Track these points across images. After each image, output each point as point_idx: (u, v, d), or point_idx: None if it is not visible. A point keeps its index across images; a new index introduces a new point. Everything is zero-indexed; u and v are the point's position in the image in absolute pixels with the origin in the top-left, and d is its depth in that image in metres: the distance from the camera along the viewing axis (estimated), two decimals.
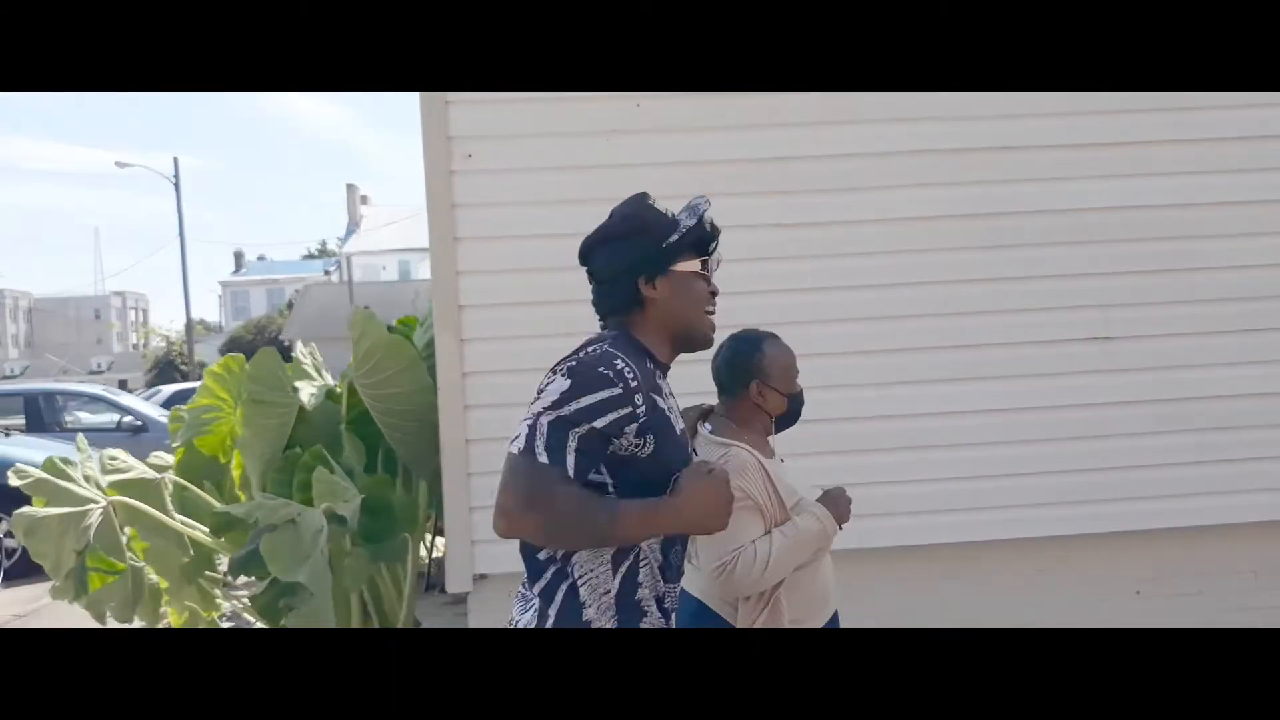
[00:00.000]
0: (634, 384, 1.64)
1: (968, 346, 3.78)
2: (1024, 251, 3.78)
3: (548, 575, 1.68)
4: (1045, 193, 3.79)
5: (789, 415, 2.37)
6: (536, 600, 1.69)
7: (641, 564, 1.69)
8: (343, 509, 3.31)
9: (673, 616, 1.76)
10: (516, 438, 1.60)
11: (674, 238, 1.76)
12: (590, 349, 1.69)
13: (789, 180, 3.75)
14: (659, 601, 1.72)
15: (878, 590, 3.62)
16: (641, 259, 1.76)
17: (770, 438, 2.36)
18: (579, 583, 1.67)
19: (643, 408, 1.64)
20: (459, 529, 3.67)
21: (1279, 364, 3.83)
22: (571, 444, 1.60)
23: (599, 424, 1.61)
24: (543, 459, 1.57)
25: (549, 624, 1.66)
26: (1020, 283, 3.78)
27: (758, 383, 2.29)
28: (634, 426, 1.64)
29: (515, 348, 3.68)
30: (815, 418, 2.59)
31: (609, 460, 1.65)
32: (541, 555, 1.69)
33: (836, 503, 2.27)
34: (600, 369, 1.63)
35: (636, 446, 1.65)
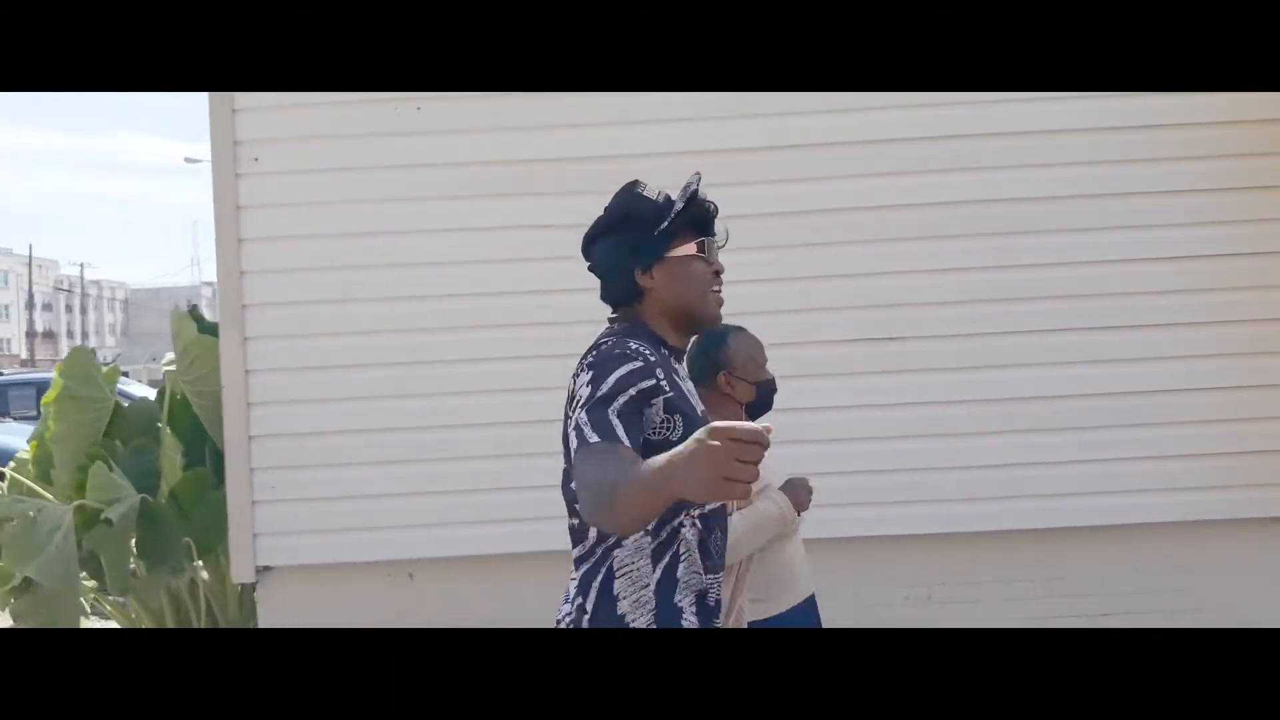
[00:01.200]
0: (652, 359, 1.67)
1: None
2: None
3: (585, 566, 1.70)
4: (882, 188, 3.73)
5: (760, 403, 2.48)
6: (575, 590, 1.71)
7: (682, 558, 1.69)
8: (112, 510, 3.44)
9: (717, 614, 1.74)
10: (571, 450, 1.61)
11: (664, 224, 1.76)
12: (604, 342, 1.71)
13: (554, 182, 3.75)
14: (701, 597, 1.71)
15: None
16: (633, 250, 1.76)
17: (746, 419, 2.44)
18: (617, 574, 1.67)
19: (665, 382, 1.66)
20: (242, 522, 3.78)
21: (1103, 364, 3.71)
22: (614, 419, 1.58)
23: (631, 392, 1.60)
24: (593, 439, 1.55)
25: (586, 619, 1.67)
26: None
27: (725, 374, 2.42)
28: (660, 401, 1.64)
29: (298, 346, 3.79)
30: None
31: (645, 442, 1.61)
32: (577, 551, 1.71)
33: (796, 490, 2.38)
34: (616, 352, 1.66)
35: (667, 428, 1.65)
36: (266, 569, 3.82)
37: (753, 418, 2.47)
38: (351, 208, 3.80)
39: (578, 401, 1.62)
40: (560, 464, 1.72)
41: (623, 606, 1.66)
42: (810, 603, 2.47)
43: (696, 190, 1.77)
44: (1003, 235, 3.71)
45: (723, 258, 1.83)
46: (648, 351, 1.68)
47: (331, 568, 3.79)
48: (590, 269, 1.84)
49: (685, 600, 1.69)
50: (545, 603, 3.71)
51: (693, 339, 2.14)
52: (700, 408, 1.78)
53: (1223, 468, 3.68)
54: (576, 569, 1.72)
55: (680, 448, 1.34)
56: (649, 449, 1.58)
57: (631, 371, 1.62)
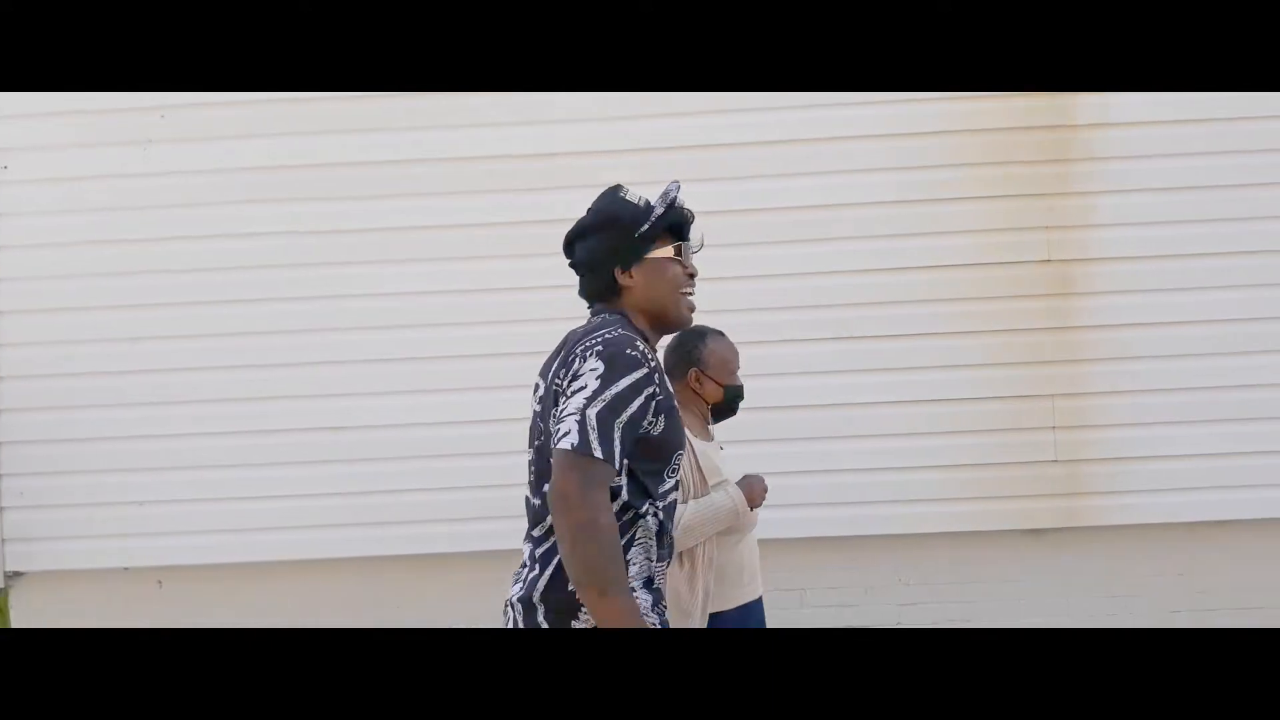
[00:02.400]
0: (653, 364, 1.76)
1: None
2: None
3: (546, 545, 1.78)
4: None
5: (725, 406, 2.60)
6: (526, 572, 1.79)
7: (636, 543, 1.77)
8: None
9: (663, 597, 1.83)
10: (567, 434, 1.65)
11: (644, 227, 1.85)
12: (608, 331, 1.77)
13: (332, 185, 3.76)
14: (648, 582, 1.79)
15: None
16: (614, 250, 1.86)
17: (710, 425, 2.60)
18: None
19: (661, 386, 1.77)
20: None
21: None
22: (616, 435, 1.67)
23: (634, 406, 1.70)
24: (598, 453, 1.64)
25: (536, 593, 1.74)
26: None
27: (696, 370, 2.54)
28: (653, 405, 1.74)
29: (50, 353, 3.80)
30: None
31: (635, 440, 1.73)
32: (537, 531, 1.80)
33: (751, 486, 2.48)
34: (628, 350, 1.73)
35: (651, 425, 1.74)
36: (17, 574, 3.83)
37: (716, 419, 2.62)
38: (104, 215, 3.80)
39: (583, 389, 1.68)
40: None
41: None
42: (758, 603, 2.53)
43: (676, 197, 1.89)
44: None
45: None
46: (650, 354, 1.77)
47: (81, 574, 3.80)
48: (571, 265, 1.94)
49: (636, 583, 1.77)
50: (293, 611, 3.78)
51: (672, 335, 2.35)
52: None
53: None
54: (536, 546, 1.80)
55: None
56: (636, 445, 1.72)
57: (639, 380, 1.71)
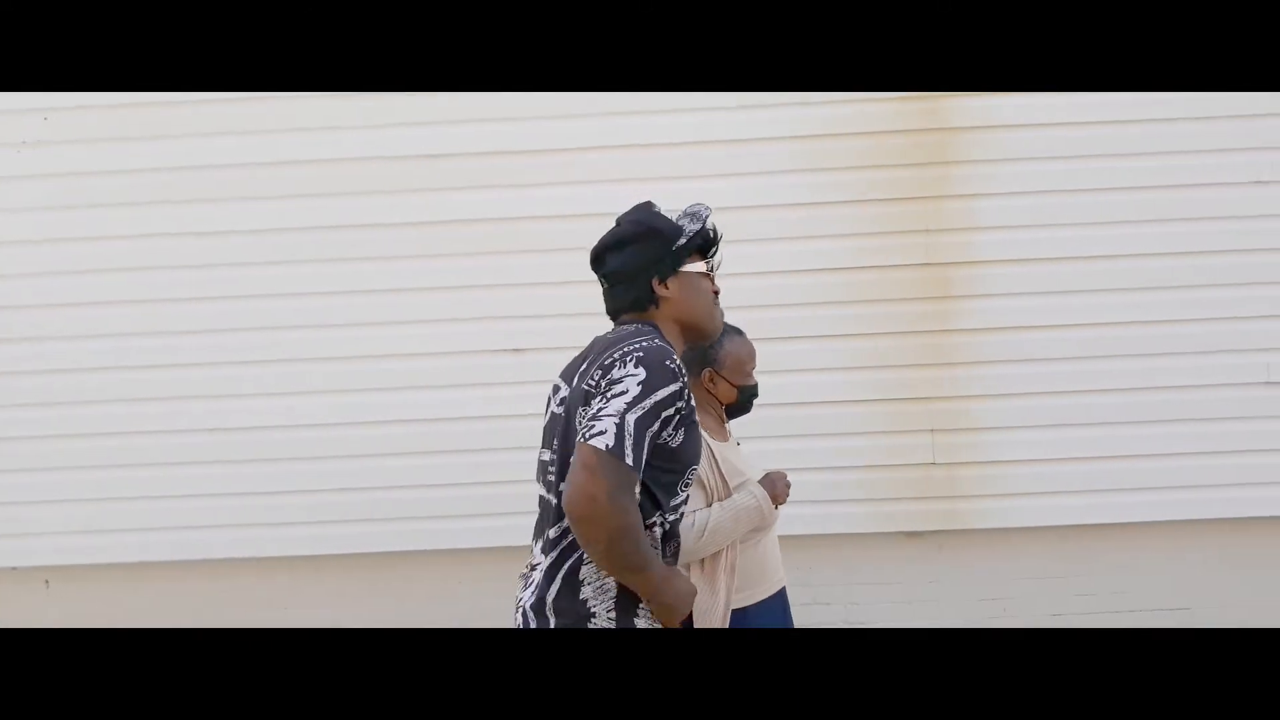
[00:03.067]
0: (685, 379, 1.81)
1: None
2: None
3: (561, 546, 1.80)
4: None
5: (739, 405, 2.61)
6: (539, 577, 1.82)
7: None
8: None
9: None
10: (602, 433, 1.68)
11: (681, 240, 1.93)
12: (645, 340, 1.82)
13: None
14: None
15: None
16: (654, 260, 1.92)
17: (726, 424, 2.61)
18: (586, 560, 1.78)
19: (688, 400, 1.81)
20: None
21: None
22: (645, 445, 1.72)
23: (664, 416, 1.75)
24: (629, 461, 1.68)
25: (548, 603, 1.78)
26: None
27: (710, 370, 2.54)
28: (678, 418, 1.78)
29: None
30: None
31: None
32: (553, 531, 1.82)
33: (774, 484, 2.48)
34: (666, 362, 1.77)
35: (670, 437, 1.78)
36: None
37: (731, 417, 2.64)
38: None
39: (624, 394, 1.71)
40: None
41: (585, 591, 1.78)
42: (782, 594, 2.57)
43: (708, 216, 1.98)
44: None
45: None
46: (682, 369, 1.81)
47: None
48: (602, 277, 1.99)
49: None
50: (181, 611, 3.79)
51: None
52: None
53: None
54: (549, 550, 1.82)
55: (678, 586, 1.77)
56: (653, 455, 1.77)
57: (673, 394, 1.76)
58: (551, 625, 1.77)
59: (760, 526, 2.46)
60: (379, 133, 3.69)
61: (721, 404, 2.58)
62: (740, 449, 2.64)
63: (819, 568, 3.75)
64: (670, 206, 2.08)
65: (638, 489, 1.75)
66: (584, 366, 1.85)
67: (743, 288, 3.64)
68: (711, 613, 2.39)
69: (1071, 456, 3.64)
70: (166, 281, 3.74)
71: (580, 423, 1.76)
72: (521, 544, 3.65)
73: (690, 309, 1.94)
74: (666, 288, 1.93)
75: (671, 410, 1.75)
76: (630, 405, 1.70)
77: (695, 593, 1.85)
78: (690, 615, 1.80)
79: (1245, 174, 3.66)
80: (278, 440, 3.73)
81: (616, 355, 1.78)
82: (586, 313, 3.62)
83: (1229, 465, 3.65)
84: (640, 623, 1.81)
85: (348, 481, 3.69)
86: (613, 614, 1.77)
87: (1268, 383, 3.66)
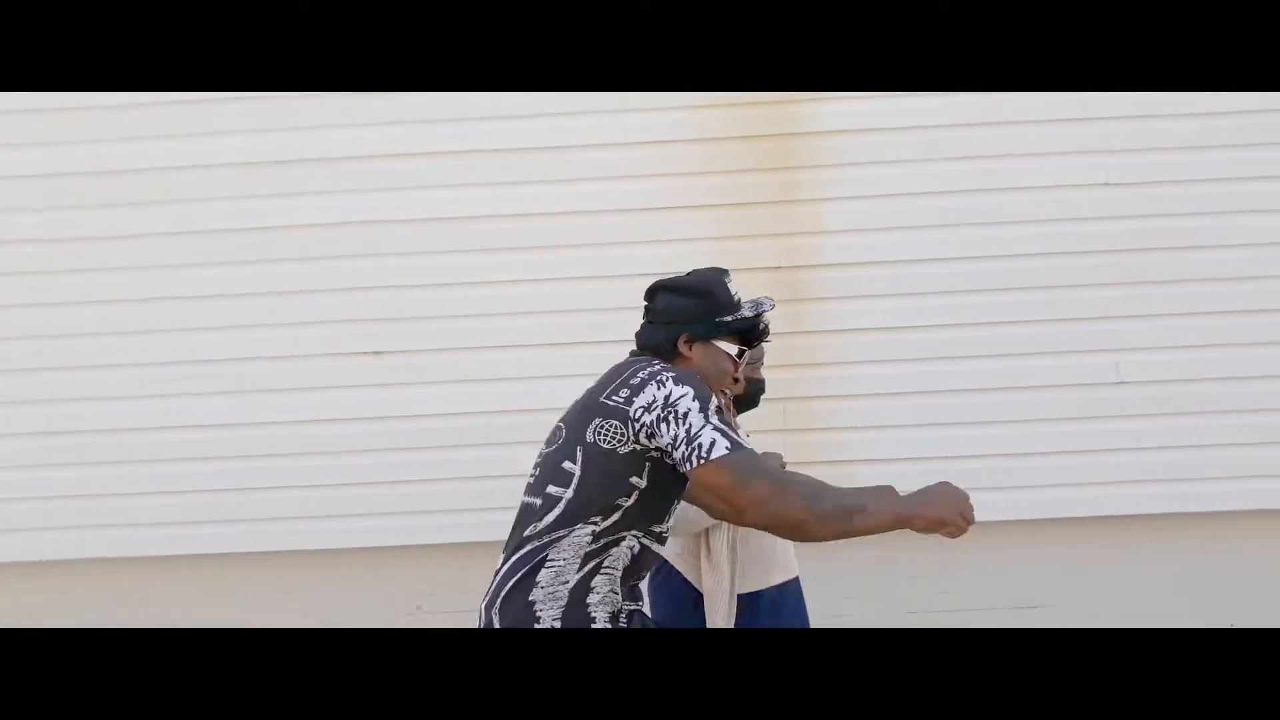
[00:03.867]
0: None
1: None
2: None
3: (516, 556, 1.83)
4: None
5: (747, 399, 2.70)
6: (497, 578, 1.84)
7: (603, 571, 1.81)
8: None
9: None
10: (713, 444, 1.74)
11: (728, 318, 2.00)
12: (662, 369, 1.88)
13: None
14: (612, 618, 1.81)
15: None
16: (693, 319, 1.99)
17: (736, 416, 2.67)
18: (545, 564, 1.79)
19: None
20: None
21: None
22: (730, 427, 1.80)
23: (716, 401, 1.83)
24: (745, 443, 1.79)
25: (496, 604, 1.80)
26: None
27: None
28: None
29: None
30: None
31: (658, 462, 1.82)
32: (528, 531, 1.84)
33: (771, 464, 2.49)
34: (696, 378, 1.87)
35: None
36: None
37: (739, 412, 2.72)
38: None
39: (687, 409, 1.77)
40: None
41: (535, 594, 1.78)
42: (795, 582, 2.63)
43: (765, 312, 2.05)
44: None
45: None
46: None
47: None
48: (646, 309, 2.06)
49: (600, 612, 1.81)
50: (72, 611, 3.84)
51: None
52: None
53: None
54: (512, 553, 1.85)
55: (925, 490, 1.77)
56: (658, 463, 1.83)
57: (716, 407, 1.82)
58: (496, 626, 1.80)
59: None
60: (242, 138, 3.76)
61: (730, 397, 2.66)
62: (748, 440, 2.70)
63: None
64: (754, 293, 2.17)
65: (628, 502, 1.81)
66: (613, 383, 1.89)
67: (595, 290, 3.72)
68: (718, 592, 2.46)
69: (920, 456, 3.67)
70: (88, 284, 3.79)
71: (587, 431, 1.84)
72: (380, 545, 3.75)
73: (703, 377, 1.94)
74: (691, 349, 1.98)
75: (714, 402, 1.83)
76: (702, 411, 1.77)
77: (945, 489, 1.82)
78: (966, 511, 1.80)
79: (1093, 176, 3.71)
80: (168, 441, 3.77)
81: (645, 375, 1.84)
82: (449, 315, 3.72)
83: (1079, 465, 3.68)
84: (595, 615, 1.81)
85: (198, 484, 3.75)
86: (558, 622, 1.77)
87: (1118, 382, 3.70)
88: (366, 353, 3.77)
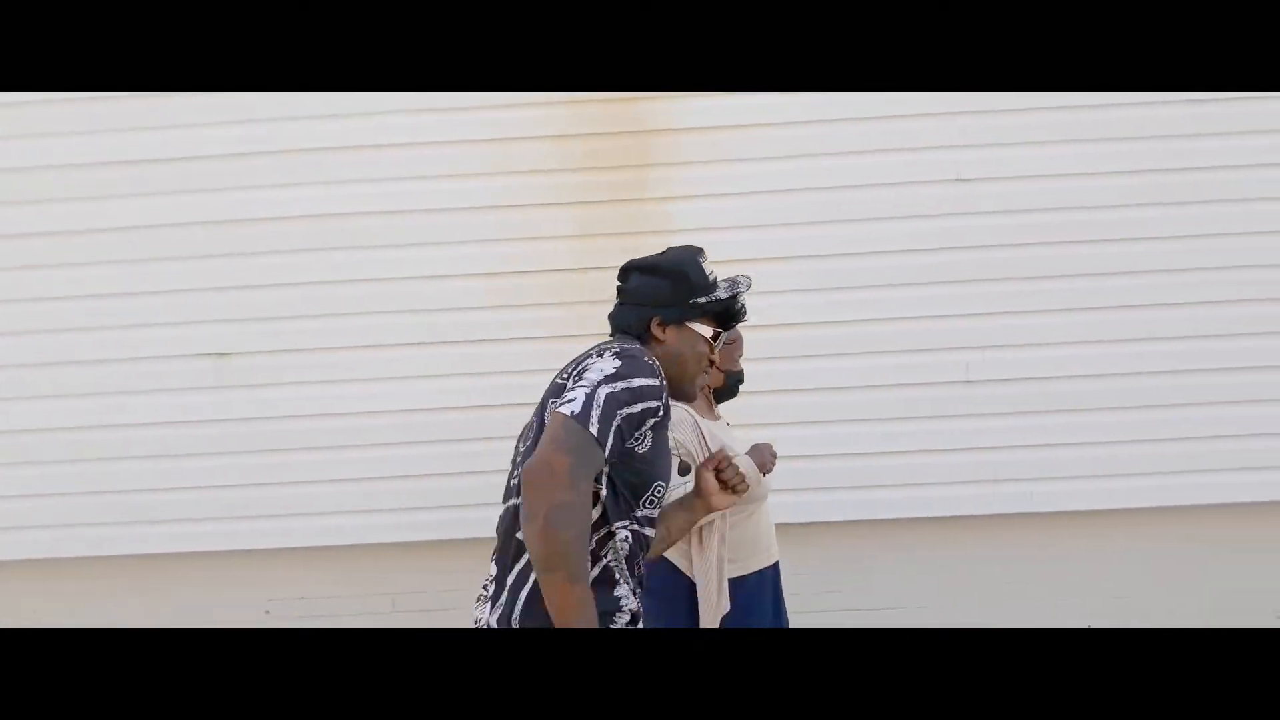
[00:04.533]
0: (665, 384, 1.79)
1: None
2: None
3: (519, 565, 1.74)
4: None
5: (727, 390, 2.77)
6: (503, 594, 1.74)
7: (611, 564, 1.77)
8: None
9: (637, 620, 1.81)
10: (570, 400, 1.65)
11: (702, 299, 1.91)
12: (629, 345, 1.80)
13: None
14: (633, 618, 1.78)
15: None
16: (666, 301, 1.90)
17: (715, 406, 2.75)
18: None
19: (665, 409, 1.78)
20: None
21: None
22: (616, 421, 1.66)
23: (638, 409, 1.69)
24: (593, 429, 1.62)
25: (514, 618, 1.70)
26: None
27: None
28: (651, 420, 1.74)
29: None
30: None
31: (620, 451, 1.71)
32: (520, 534, 1.72)
33: (760, 453, 2.56)
34: (646, 359, 1.77)
35: (638, 440, 1.74)
36: None
37: (718, 402, 2.77)
38: None
39: (595, 374, 1.69)
40: None
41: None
42: (775, 568, 2.68)
43: (742, 291, 1.96)
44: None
45: None
46: (662, 375, 1.79)
47: None
48: (619, 290, 1.97)
49: (624, 608, 1.76)
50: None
51: None
52: (671, 442, 1.93)
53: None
54: (511, 565, 1.76)
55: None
56: (621, 455, 1.70)
57: (651, 388, 1.73)
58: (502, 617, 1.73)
59: (751, 497, 2.53)
60: (85, 139, 3.72)
61: (710, 389, 2.71)
62: (729, 429, 2.75)
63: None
64: (729, 265, 2.08)
65: (603, 491, 1.72)
66: (566, 369, 1.82)
67: (443, 290, 3.70)
68: (708, 584, 2.50)
69: (786, 455, 3.64)
70: None
71: (551, 408, 1.71)
72: (219, 549, 3.72)
73: (674, 362, 1.89)
74: (665, 331, 1.90)
75: (645, 406, 1.70)
76: (607, 379, 1.67)
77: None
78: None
79: (944, 172, 3.68)
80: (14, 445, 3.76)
81: (594, 351, 1.78)
82: (293, 315, 3.69)
83: (929, 464, 3.67)
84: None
85: (52, 487, 3.73)
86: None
87: (967, 381, 3.68)
88: (209, 354, 3.74)
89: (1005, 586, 3.74)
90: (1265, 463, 3.64)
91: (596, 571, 1.75)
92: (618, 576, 1.76)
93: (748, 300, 2.00)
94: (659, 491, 1.82)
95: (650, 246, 3.63)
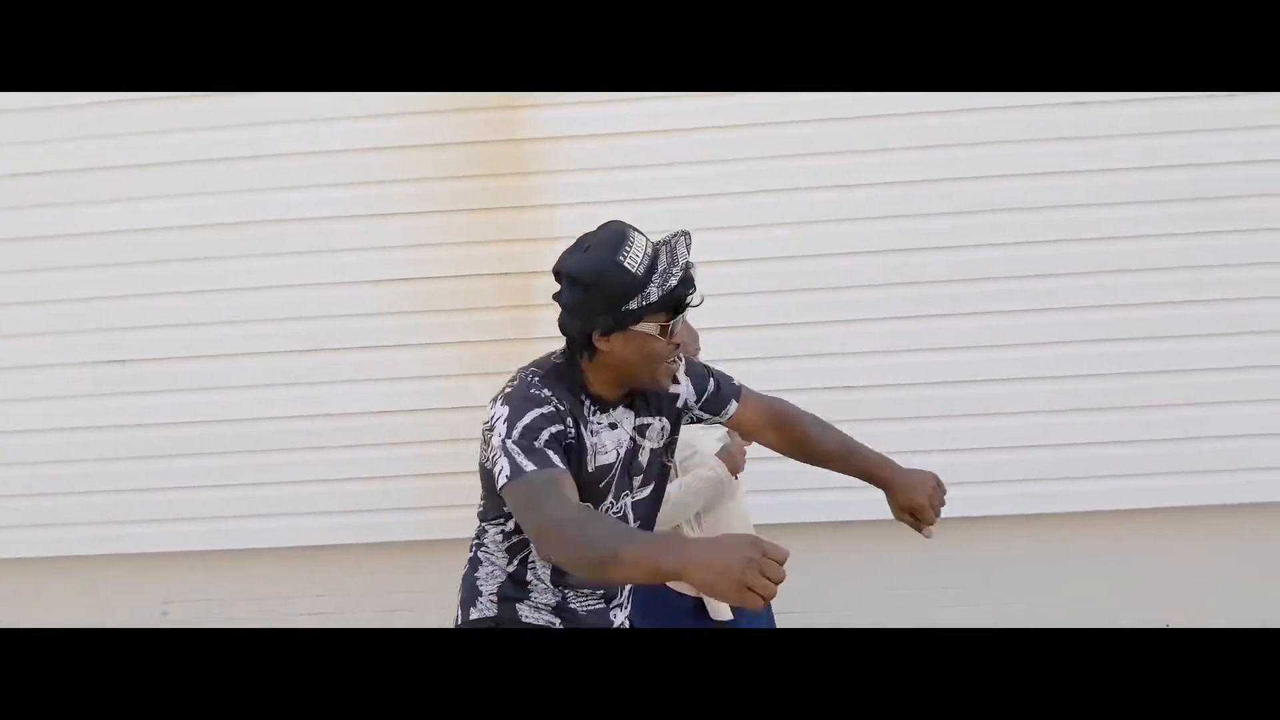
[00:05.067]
0: (561, 408, 1.70)
1: None
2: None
3: (466, 561, 1.86)
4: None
5: None
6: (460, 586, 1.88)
7: (532, 563, 1.80)
8: None
9: (577, 619, 1.82)
10: (501, 471, 1.62)
11: (632, 305, 1.69)
12: (515, 381, 1.76)
13: None
14: (562, 603, 1.81)
15: None
16: (594, 314, 1.71)
17: None
18: (482, 561, 1.84)
19: (572, 430, 1.72)
20: None
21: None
22: (540, 443, 1.63)
23: (547, 434, 1.65)
24: (528, 468, 1.59)
25: (458, 602, 1.85)
26: None
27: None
28: (563, 444, 1.68)
29: None
30: None
31: None
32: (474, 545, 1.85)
33: (733, 456, 2.64)
34: (530, 392, 1.70)
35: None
36: None
37: None
38: None
39: (499, 431, 1.65)
40: None
41: (479, 578, 1.83)
42: None
43: (680, 279, 1.71)
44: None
45: None
46: (557, 400, 1.71)
47: None
48: (555, 296, 1.80)
49: (533, 609, 1.81)
50: None
51: None
52: (607, 460, 1.80)
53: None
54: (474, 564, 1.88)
55: (703, 539, 1.37)
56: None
57: (545, 415, 1.66)
58: (457, 615, 1.85)
59: (725, 494, 2.57)
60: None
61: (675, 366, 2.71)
62: (695, 426, 2.72)
63: (382, 574, 3.85)
64: (661, 232, 1.83)
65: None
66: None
67: (315, 299, 3.75)
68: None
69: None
70: None
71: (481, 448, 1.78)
72: (129, 552, 3.79)
73: (628, 367, 1.74)
74: (608, 341, 1.72)
75: (553, 430, 1.66)
76: (505, 433, 1.64)
77: (730, 548, 1.40)
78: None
79: (829, 179, 3.66)
80: None
81: (498, 392, 1.76)
82: (193, 323, 3.77)
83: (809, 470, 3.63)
84: (523, 611, 1.82)
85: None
86: (495, 598, 1.82)
87: (846, 387, 3.65)
88: (112, 361, 3.82)
89: (984, 589, 3.72)
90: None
91: (516, 564, 1.80)
92: (529, 579, 1.80)
93: (696, 275, 1.76)
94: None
95: (531, 255, 3.70)
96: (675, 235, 1.76)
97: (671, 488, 2.39)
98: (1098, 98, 3.58)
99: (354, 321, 3.76)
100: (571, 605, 1.82)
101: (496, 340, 3.72)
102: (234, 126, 3.74)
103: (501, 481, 1.60)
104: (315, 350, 3.77)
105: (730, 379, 2.10)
